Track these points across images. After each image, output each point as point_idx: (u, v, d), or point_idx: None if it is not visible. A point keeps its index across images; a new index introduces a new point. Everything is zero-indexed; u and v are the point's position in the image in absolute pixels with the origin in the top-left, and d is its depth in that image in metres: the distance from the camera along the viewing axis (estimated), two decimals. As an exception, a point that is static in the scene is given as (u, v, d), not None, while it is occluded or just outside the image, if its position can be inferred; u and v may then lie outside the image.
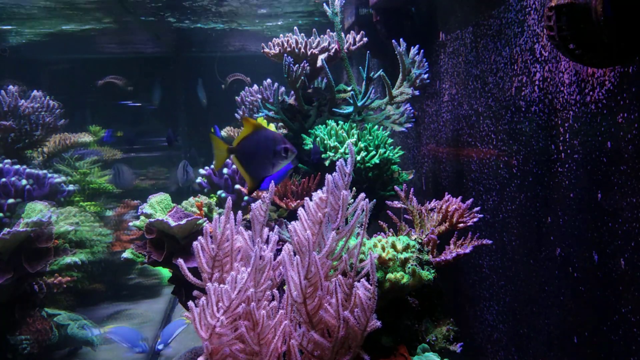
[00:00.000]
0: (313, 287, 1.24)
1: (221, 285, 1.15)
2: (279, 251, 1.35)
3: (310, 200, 1.32)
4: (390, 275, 1.45)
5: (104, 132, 4.91)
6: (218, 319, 1.14)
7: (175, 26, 4.20)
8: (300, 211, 1.31)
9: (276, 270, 1.32)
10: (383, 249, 1.51)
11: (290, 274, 1.24)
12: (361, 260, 1.35)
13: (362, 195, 1.31)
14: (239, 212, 1.34)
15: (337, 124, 2.24)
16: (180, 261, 1.28)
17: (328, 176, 1.31)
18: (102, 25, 4.16)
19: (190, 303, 1.17)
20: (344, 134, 2.18)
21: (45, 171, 3.38)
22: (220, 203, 2.79)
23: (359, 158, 2.10)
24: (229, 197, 1.38)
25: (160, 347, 2.72)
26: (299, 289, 1.22)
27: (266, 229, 1.35)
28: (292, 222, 1.31)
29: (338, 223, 1.31)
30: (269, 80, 4.13)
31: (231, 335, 1.18)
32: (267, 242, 1.35)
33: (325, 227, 1.31)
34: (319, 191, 1.33)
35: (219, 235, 1.29)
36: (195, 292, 1.31)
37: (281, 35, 2.39)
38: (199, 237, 1.30)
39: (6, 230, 2.35)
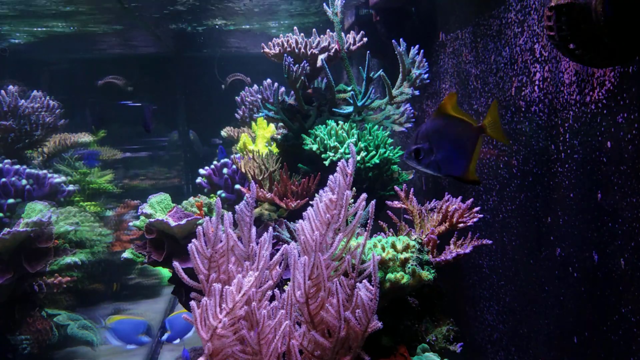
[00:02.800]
0: (316, 287, 1.24)
1: (226, 287, 1.15)
2: (278, 251, 1.35)
3: (314, 200, 1.32)
4: (390, 276, 1.45)
5: (103, 133, 4.91)
6: (220, 320, 1.13)
7: (175, 26, 4.20)
8: (310, 211, 1.30)
9: (273, 270, 1.32)
10: (383, 249, 1.51)
11: (295, 273, 1.24)
12: (362, 261, 1.35)
13: (364, 195, 1.31)
14: (229, 213, 1.33)
15: (337, 124, 2.24)
16: (176, 264, 1.28)
17: (331, 177, 1.31)
18: (102, 26, 4.16)
19: (192, 303, 1.16)
20: (344, 134, 2.18)
21: (45, 171, 3.38)
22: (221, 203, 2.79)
23: (359, 158, 2.10)
24: (218, 198, 1.37)
25: (163, 338, 2.70)
26: (302, 288, 1.23)
27: (254, 230, 1.35)
28: (299, 221, 1.31)
29: (340, 223, 1.31)
30: (269, 80, 4.13)
31: (232, 337, 1.18)
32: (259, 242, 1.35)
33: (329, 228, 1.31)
34: (326, 190, 1.33)
35: (212, 236, 1.29)
36: (193, 294, 1.31)
37: (281, 35, 2.39)
38: (193, 240, 1.29)
39: (6, 230, 2.35)
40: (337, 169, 1.31)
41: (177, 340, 2.70)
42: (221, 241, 1.30)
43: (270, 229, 1.35)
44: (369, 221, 1.32)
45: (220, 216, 1.30)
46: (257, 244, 1.28)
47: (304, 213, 1.32)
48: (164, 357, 2.97)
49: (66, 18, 3.80)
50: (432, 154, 1.35)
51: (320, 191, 1.34)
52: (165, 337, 2.69)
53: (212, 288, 1.15)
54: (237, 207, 1.35)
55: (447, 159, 1.36)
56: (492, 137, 1.41)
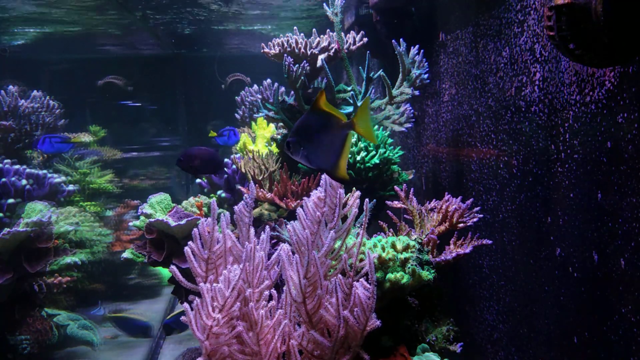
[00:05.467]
0: (312, 286, 1.24)
1: (214, 284, 1.15)
2: (276, 250, 1.35)
3: (307, 198, 1.32)
4: (390, 275, 1.45)
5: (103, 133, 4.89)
6: (214, 318, 1.13)
7: (176, 26, 4.20)
8: (299, 211, 1.31)
9: (271, 270, 1.32)
10: (383, 249, 1.51)
11: (289, 273, 1.24)
12: (361, 260, 1.35)
13: (357, 193, 1.31)
14: (227, 213, 1.33)
15: (337, 124, 2.23)
16: (174, 268, 1.28)
17: (323, 176, 1.32)
18: (102, 26, 4.16)
19: (185, 305, 1.16)
20: (344, 134, 2.18)
21: (45, 171, 3.38)
22: (221, 203, 2.79)
23: (359, 158, 2.10)
24: (213, 200, 1.37)
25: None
26: (298, 288, 1.22)
27: (252, 230, 1.34)
28: (291, 222, 1.31)
29: (335, 222, 1.31)
30: (269, 80, 4.13)
31: (228, 335, 1.18)
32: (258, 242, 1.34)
33: (323, 226, 1.31)
34: (318, 189, 1.33)
35: (208, 238, 1.29)
36: (191, 297, 1.31)
37: (281, 35, 2.39)
38: (189, 242, 1.29)
39: (6, 230, 2.35)
40: None
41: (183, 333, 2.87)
42: (218, 242, 1.30)
43: (268, 228, 1.35)
44: (364, 219, 1.32)
45: (215, 217, 1.29)
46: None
47: (296, 212, 1.32)
48: (164, 356, 2.97)
49: (66, 18, 3.80)
50: (300, 147, 1.37)
51: (314, 191, 1.34)
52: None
53: (200, 287, 1.15)
54: (235, 207, 1.35)
55: (314, 153, 1.35)
56: (361, 134, 1.38)
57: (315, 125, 1.34)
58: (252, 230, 1.33)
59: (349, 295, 1.25)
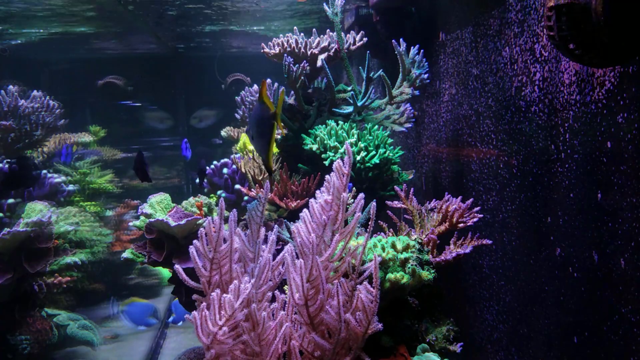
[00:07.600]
0: (315, 289, 1.24)
1: (224, 295, 1.14)
2: (278, 251, 1.35)
3: (313, 200, 1.32)
4: (390, 275, 1.45)
5: (103, 133, 4.89)
6: (220, 326, 1.13)
7: (176, 27, 4.20)
8: (305, 212, 1.30)
9: (275, 271, 1.32)
10: (383, 249, 1.51)
11: (292, 276, 1.24)
12: (363, 262, 1.35)
13: (361, 195, 1.31)
14: (234, 211, 1.32)
15: (337, 124, 2.24)
16: (178, 267, 1.27)
17: (327, 177, 1.31)
18: (102, 26, 4.16)
19: (194, 314, 1.16)
20: (344, 134, 2.18)
21: (45, 171, 3.38)
22: (221, 203, 2.79)
23: (359, 158, 2.10)
24: (222, 199, 1.38)
25: (170, 320, 3.05)
26: (301, 291, 1.22)
27: (263, 229, 1.34)
28: (295, 223, 1.31)
29: (338, 224, 1.30)
30: (269, 80, 4.12)
31: (232, 343, 1.17)
32: (265, 241, 1.34)
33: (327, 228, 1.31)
34: (323, 191, 1.33)
35: (214, 237, 1.28)
36: (195, 296, 1.31)
37: (281, 35, 2.39)
38: (195, 241, 1.28)
39: (6, 230, 2.35)
40: (333, 168, 1.31)
41: (181, 322, 3.01)
42: (225, 241, 1.30)
43: (276, 229, 1.35)
44: (370, 222, 1.32)
45: (223, 216, 1.29)
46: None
47: (301, 214, 1.32)
48: (164, 356, 2.97)
49: (67, 18, 3.80)
50: (251, 136, 1.44)
51: (317, 192, 1.34)
52: (171, 319, 2.95)
53: (211, 297, 1.14)
54: (249, 205, 1.35)
55: (255, 141, 1.42)
56: (278, 125, 1.42)
57: (254, 115, 1.41)
58: (262, 229, 1.33)
59: (350, 297, 1.25)
